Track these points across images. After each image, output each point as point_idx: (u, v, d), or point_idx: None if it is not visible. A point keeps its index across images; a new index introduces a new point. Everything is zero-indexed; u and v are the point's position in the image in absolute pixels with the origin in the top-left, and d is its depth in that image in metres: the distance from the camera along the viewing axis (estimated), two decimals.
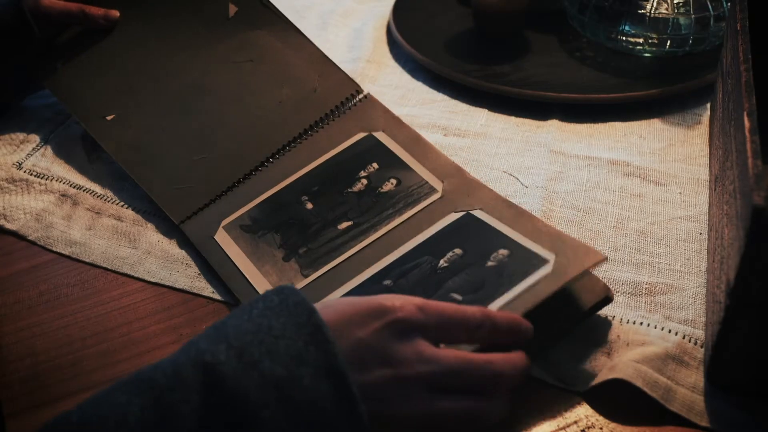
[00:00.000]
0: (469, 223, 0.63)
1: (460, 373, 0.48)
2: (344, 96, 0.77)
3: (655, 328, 0.59)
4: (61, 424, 0.43)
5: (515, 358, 0.50)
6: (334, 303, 0.49)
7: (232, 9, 0.82)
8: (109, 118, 0.78)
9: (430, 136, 0.79)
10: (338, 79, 0.78)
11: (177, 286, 0.66)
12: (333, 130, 0.75)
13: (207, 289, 0.65)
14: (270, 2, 0.82)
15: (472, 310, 0.50)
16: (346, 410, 0.43)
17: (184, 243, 0.69)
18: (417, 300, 0.49)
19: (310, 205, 0.69)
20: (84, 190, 0.76)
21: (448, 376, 0.47)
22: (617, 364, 0.55)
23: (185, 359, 0.44)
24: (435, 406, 0.47)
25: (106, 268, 0.68)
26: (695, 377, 0.55)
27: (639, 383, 0.53)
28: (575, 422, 0.54)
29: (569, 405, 0.55)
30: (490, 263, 0.59)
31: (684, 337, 0.58)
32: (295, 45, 0.80)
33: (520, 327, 0.52)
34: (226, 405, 0.42)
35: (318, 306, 0.47)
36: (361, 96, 0.77)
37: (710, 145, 0.75)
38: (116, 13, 0.82)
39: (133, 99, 0.79)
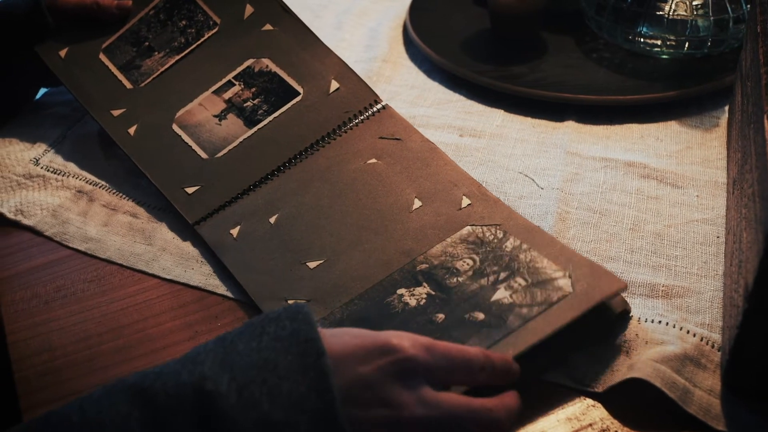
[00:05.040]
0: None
1: (461, 421, 0.47)
2: (363, 104, 0.76)
3: (674, 327, 0.58)
4: (63, 421, 0.42)
5: (509, 401, 0.49)
6: (340, 333, 0.48)
7: (249, 9, 0.82)
8: (115, 113, 0.78)
9: (446, 137, 0.79)
10: (357, 87, 0.78)
11: (192, 283, 0.66)
12: (352, 137, 0.74)
13: (221, 287, 0.65)
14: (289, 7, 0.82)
15: (474, 352, 0.49)
16: None
17: (198, 241, 0.69)
18: (424, 340, 0.48)
19: None
20: (100, 187, 0.76)
21: (447, 423, 0.46)
22: (636, 362, 0.55)
23: (188, 379, 0.43)
24: None
25: (121, 265, 0.68)
26: (712, 380, 0.55)
27: (658, 383, 0.53)
28: (590, 425, 0.53)
29: (584, 408, 0.55)
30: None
31: (702, 339, 0.57)
32: (318, 53, 0.80)
33: (511, 369, 0.51)
34: None
35: (325, 334, 0.46)
36: (379, 106, 0.77)
37: (728, 148, 0.75)
38: (129, 2, 0.82)
39: (144, 97, 0.79)
